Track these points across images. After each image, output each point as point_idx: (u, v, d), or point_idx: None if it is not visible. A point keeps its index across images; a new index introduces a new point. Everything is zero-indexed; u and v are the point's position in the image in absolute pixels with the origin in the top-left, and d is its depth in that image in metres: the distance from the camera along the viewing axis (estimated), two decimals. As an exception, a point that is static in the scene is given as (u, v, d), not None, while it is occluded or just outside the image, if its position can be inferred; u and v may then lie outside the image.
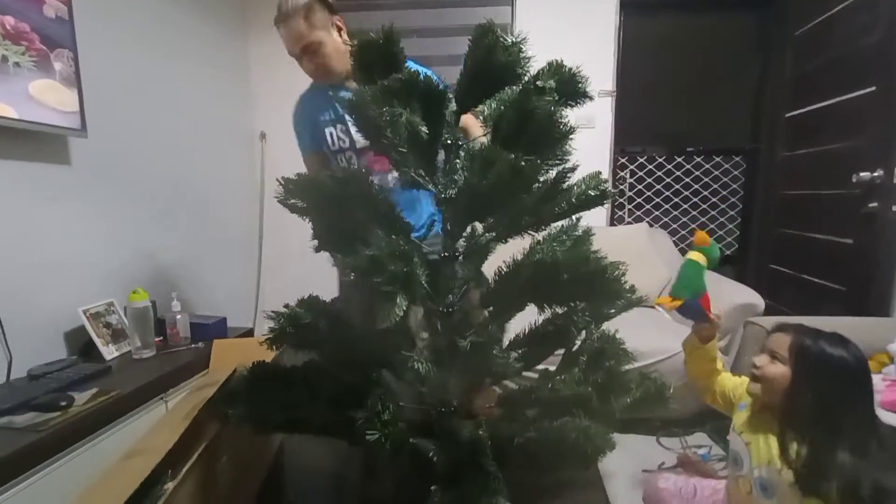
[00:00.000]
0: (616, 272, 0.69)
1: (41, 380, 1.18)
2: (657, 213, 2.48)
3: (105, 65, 1.47)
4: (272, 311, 0.74)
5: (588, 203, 0.85)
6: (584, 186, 0.85)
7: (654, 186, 2.45)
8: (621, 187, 2.47)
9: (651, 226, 2.39)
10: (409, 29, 2.21)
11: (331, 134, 1.28)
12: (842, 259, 1.71)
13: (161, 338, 1.51)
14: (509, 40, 0.68)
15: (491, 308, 0.88)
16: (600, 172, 0.87)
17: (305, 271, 2.47)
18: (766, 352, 0.92)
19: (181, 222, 1.86)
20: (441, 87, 0.70)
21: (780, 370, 0.86)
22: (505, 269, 0.83)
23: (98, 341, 1.35)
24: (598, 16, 2.27)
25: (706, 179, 2.43)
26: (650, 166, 2.45)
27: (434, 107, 0.71)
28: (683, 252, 2.33)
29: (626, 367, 0.86)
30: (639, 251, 2.08)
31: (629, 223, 2.47)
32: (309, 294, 0.79)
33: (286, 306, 0.73)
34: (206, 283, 2.03)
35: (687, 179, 2.44)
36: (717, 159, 2.41)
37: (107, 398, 1.11)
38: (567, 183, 0.86)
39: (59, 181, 1.35)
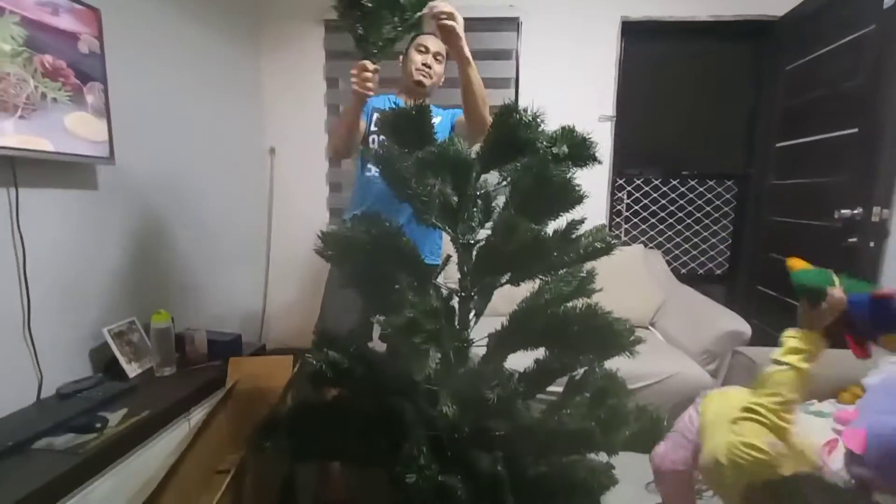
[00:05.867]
0: (621, 326, 0.78)
1: (71, 399, 1.25)
2: (652, 232, 2.58)
3: (129, 92, 1.52)
4: (311, 356, 0.82)
5: (594, 254, 0.93)
6: (590, 238, 0.93)
7: (650, 207, 2.56)
8: (619, 207, 2.57)
9: (646, 246, 2.49)
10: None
11: (376, 119, 1.46)
12: (824, 287, 1.82)
13: (179, 353, 1.57)
14: (529, 118, 0.77)
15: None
16: (605, 226, 0.96)
17: (310, 284, 2.56)
18: None
19: (195, 238, 1.92)
20: (468, 155, 0.78)
21: None
22: (519, 314, 0.92)
23: (122, 359, 1.41)
24: (600, 41, 2.36)
25: (699, 202, 2.54)
26: (646, 188, 2.55)
27: (462, 173, 0.79)
28: (675, 272, 2.43)
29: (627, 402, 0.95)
30: (636, 272, 2.18)
31: (626, 242, 2.57)
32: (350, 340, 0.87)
33: (325, 350, 0.81)
34: (217, 297, 2.09)
35: (681, 202, 2.54)
36: (711, 183, 2.52)
37: (138, 419, 1.18)
38: (575, 234, 0.94)
39: (87, 206, 1.40)
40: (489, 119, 1.24)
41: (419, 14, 1.07)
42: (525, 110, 0.76)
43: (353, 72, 1.19)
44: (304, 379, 0.96)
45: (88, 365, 1.41)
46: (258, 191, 2.47)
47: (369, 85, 1.18)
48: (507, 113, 0.76)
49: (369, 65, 1.15)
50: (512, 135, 0.76)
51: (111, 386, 1.33)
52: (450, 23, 1.14)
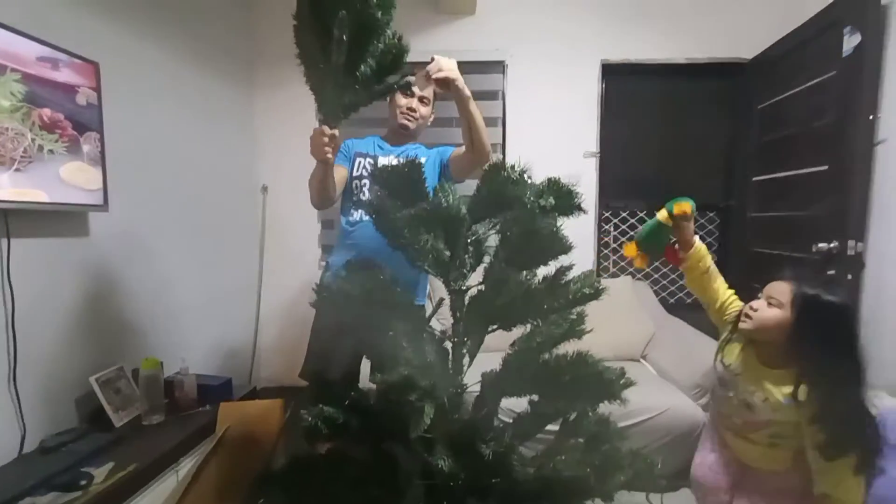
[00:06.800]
0: (611, 375, 0.80)
1: (55, 453, 1.21)
2: (639, 263, 2.63)
3: (125, 138, 1.54)
4: (307, 412, 0.82)
5: (584, 299, 0.96)
6: (579, 284, 0.96)
7: (636, 239, 2.61)
8: (606, 240, 2.62)
9: (634, 277, 2.54)
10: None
11: (359, 163, 1.49)
12: (808, 317, 1.86)
13: (168, 399, 1.54)
14: (516, 175, 0.80)
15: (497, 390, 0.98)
16: (593, 271, 0.99)
17: (301, 321, 2.53)
18: (764, 298, 1.07)
19: (186, 279, 1.91)
20: (460, 211, 0.81)
21: (774, 313, 1.02)
22: (511, 360, 0.93)
23: (108, 409, 1.38)
24: (582, 82, 2.47)
25: (684, 233, 2.60)
26: (632, 220, 2.61)
27: (454, 228, 0.82)
28: (663, 303, 2.47)
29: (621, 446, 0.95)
30: (625, 304, 2.21)
31: (614, 273, 2.61)
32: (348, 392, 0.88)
33: (319, 405, 0.81)
34: (207, 337, 2.07)
35: (666, 233, 2.60)
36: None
37: (124, 474, 1.14)
38: (564, 279, 0.97)
39: (78, 253, 1.40)
40: (490, 147, 1.33)
41: (397, 81, 1.05)
42: (512, 167, 0.80)
43: (311, 137, 1.16)
44: (296, 431, 0.95)
45: (74, 414, 1.38)
46: (250, 228, 2.48)
47: (326, 149, 1.15)
48: (496, 170, 0.80)
49: (326, 129, 1.11)
50: (500, 192, 0.80)
51: (96, 437, 1.29)
52: (450, 76, 1.18)
